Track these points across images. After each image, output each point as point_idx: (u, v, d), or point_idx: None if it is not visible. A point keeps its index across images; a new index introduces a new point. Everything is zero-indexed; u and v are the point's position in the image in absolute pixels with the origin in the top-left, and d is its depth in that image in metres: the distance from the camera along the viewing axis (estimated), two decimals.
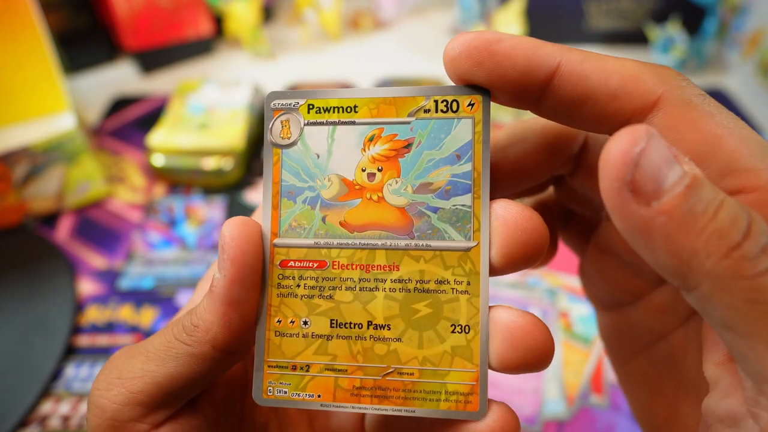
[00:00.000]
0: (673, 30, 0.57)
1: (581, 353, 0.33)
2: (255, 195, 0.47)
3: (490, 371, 0.16)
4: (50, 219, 0.45)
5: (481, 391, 0.16)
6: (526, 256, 0.15)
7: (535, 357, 0.15)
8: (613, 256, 0.19)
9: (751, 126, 0.14)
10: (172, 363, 0.15)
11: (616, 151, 0.12)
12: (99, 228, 0.45)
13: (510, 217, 0.15)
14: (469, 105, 0.16)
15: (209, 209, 0.46)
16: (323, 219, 0.16)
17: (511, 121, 0.49)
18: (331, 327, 0.16)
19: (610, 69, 0.14)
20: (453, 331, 0.16)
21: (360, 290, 0.16)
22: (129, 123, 0.56)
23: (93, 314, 0.38)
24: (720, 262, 0.11)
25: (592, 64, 0.14)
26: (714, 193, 0.12)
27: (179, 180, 0.48)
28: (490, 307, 0.16)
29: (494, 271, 0.16)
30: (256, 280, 0.16)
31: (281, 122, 0.17)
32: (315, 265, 0.16)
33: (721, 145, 0.13)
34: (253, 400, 0.18)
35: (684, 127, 0.13)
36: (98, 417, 0.15)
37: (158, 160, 0.47)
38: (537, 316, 0.15)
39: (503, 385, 0.34)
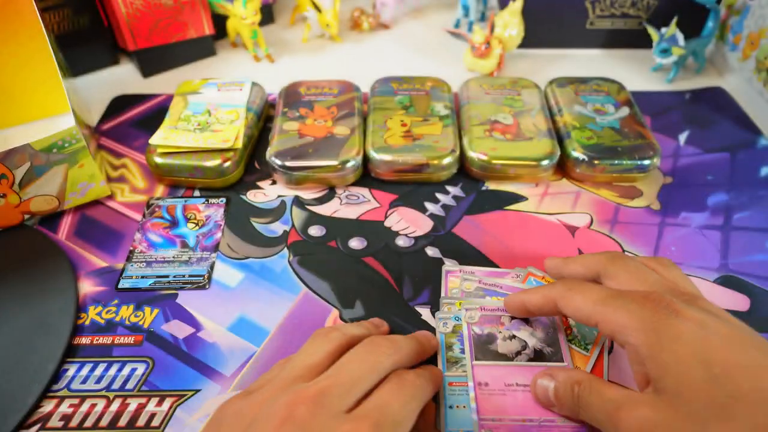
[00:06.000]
0: (673, 30, 0.57)
1: (581, 356, 0.33)
2: (255, 195, 0.47)
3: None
4: (50, 219, 0.45)
5: None
6: None
7: None
8: None
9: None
10: None
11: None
12: (99, 228, 0.45)
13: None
14: None
15: (209, 209, 0.46)
16: None
17: (512, 119, 0.49)
18: None
19: None
20: None
21: None
22: (129, 123, 0.56)
23: (94, 314, 0.39)
24: None
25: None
26: None
27: (179, 180, 0.48)
28: None
29: None
30: None
31: None
32: None
33: None
34: None
35: None
36: None
37: (158, 160, 0.47)
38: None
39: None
